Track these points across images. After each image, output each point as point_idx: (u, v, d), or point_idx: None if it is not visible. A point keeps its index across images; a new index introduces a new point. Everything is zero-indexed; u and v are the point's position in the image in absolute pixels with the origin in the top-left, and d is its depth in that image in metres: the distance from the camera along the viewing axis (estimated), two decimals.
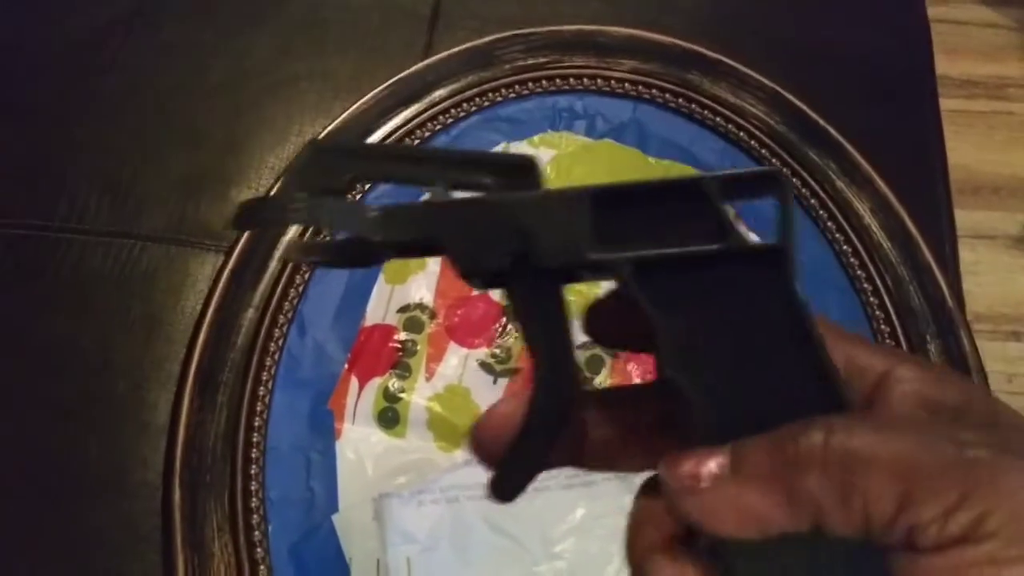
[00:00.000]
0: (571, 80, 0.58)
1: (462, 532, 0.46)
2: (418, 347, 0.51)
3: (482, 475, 0.49)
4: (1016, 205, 0.78)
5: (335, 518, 0.46)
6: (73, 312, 0.54)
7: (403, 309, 0.52)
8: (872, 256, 0.52)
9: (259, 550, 0.45)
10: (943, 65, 0.82)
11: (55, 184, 0.58)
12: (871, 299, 0.51)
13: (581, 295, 0.53)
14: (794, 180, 0.55)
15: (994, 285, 0.75)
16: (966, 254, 0.72)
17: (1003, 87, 0.85)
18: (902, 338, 0.50)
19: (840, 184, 0.55)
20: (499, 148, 0.57)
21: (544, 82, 0.58)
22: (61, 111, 0.61)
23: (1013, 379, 0.70)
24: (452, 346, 0.51)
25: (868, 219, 0.54)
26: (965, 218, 0.76)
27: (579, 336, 0.53)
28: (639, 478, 0.48)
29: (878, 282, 0.52)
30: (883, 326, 0.51)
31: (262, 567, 0.45)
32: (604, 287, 0.52)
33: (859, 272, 0.52)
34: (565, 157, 0.56)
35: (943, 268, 0.53)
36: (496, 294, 0.52)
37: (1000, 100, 0.84)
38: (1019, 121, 0.85)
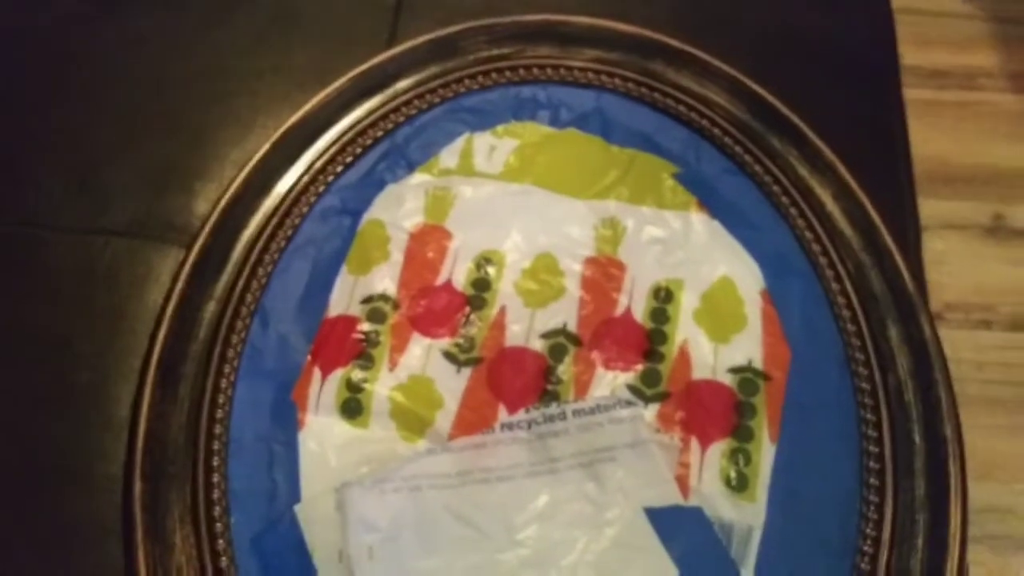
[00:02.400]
0: (534, 70, 0.58)
1: (425, 521, 0.46)
2: (381, 337, 0.51)
3: (444, 464, 0.49)
4: (987, 195, 0.79)
5: (297, 509, 0.46)
6: (38, 305, 0.54)
7: (366, 300, 0.52)
8: (834, 242, 0.53)
9: (221, 541, 0.45)
10: (913, 55, 0.83)
11: (20, 177, 0.58)
12: (833, 285, 0.52)
13: (546, 285, 0.53)
14: (757, 168, 0.55)
15: (965, 275, 0.75)
16: (937, 244, 0.73)
17: (974, 77, 0.85)
18: (863, 323, 0.50)
19: (803, 171, 0.55)
20: (462, 138, 0.57)
21: (508, 72, 0.58)
22: (27, 103, 0.60)
23: (983, 367, 0.70)
24: (415, 336, 0.51)
25: (830, 206, 0.54)
26: (936, 208, 0.76)
27: (544, 324, 0.53)
28: (603, 466, 0.49)
29: (839, 268, 0.52)
30: (844, 311, 0.51)
31: (223, 558, 0.45)
32: (569, 282, 0.52)
33: (821, 259, 0.52)
34: (529, 147, 0.57)
35: (905, 254, 0.53)
36: (459, 283, 0.52)
37: (971, 90, 0.84)
38: (990, 112, 0.85)
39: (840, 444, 0.48)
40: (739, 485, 0.47)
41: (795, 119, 0.56)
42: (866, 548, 0.45)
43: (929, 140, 0.79)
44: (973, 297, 0.73)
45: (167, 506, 0.46)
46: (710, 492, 0.47)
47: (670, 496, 0.47)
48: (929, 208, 0.75)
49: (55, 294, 0.54)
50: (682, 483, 0.47)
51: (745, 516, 0.46)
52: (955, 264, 0.74)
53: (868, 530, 0.46)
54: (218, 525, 0.45)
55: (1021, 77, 0.78)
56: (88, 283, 0.54)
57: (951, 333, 0.68)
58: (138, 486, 0.46)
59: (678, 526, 0.46)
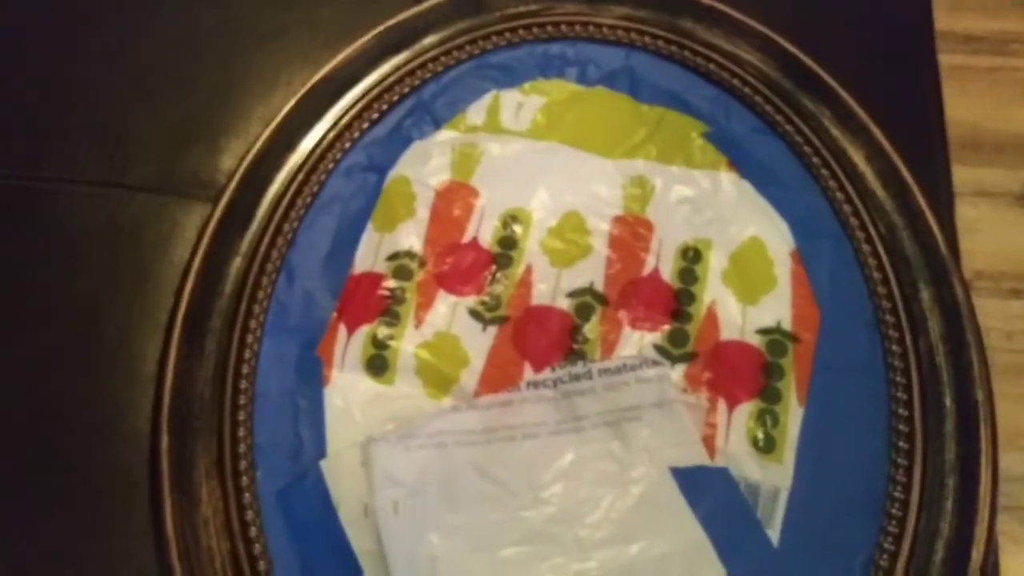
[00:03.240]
0: (562, 27, 0.57)
1: (450, 477, 0.46)
2: (407, 295, 0.50)
3: (470, 421, 0.49)
4: (1018, 162, 0.78)
5: (323, 464, 0.46)
6: (63, 262, 0.54)
7: (392, 257, 0.51)
8: (866, 203, 0.52)
9: (247, 495, 0.45)
10: (945, 21, 0.81)
11: (45, 134, 0.58)
12: (864, 246, 0.51)
13: (573, 244, 0.53)
14: (788, 128, 0.54)
15: (995, 242, 0.74)
16: (967, 211, 0.72)
17: (1007, 43, 0.83)
18: (894, 285, 0.50)
19: (835, 132, 0.54)
20: (489, 95, 0.56)
21: (535, 29, 0.57)
22: (51, 61, 0.60)
23: (1012, 336, 0.70)
24: (441, 294, 0.51)
25: (862, 167, 0.53)
26: (967, 175, 0.75)
27: (570, 283, 0.53)
28: (628, 425, 0.49)
29: (871, 230, 0.51)
30: (875, 273, 0.50)
31: (249, 512, 0.45)
32: (596, 241, 0.52)
33: (852, 220, 0.52)
34: (556, 105, 0.56)
35: (937, 216, 0.52)
36: (485, 241, 0.52)
37: (1004, 56, 0.82)
38: (1023, 77, 0.84)
39: (869, 407, 0.48)
40: (766, 446, 0.47)
41: (828, 78, 0.55)
42: (894, 511, 0.45)
43: (960, 106, 0.78)
44: (1003, 265, 0.72)
45: (193, 460, 0.46)
46: (737, 453, 0.46)
47: (696, 456, 0.46)
48: (960, 175, 0.74)
49: (80, 249, 0.54)
50: (708, 443, 0.47)
51: (772, 477, 0.46)
52: (985, 232, 0.73)
53: (896, 493, 0.45)
54: (244, 479, 0.45)
55: None
56: (113, 239, 0.54)
57: (980, 302, 0.67)
58: (165, 440, 0.46)
59: (704, 486, 0.46)
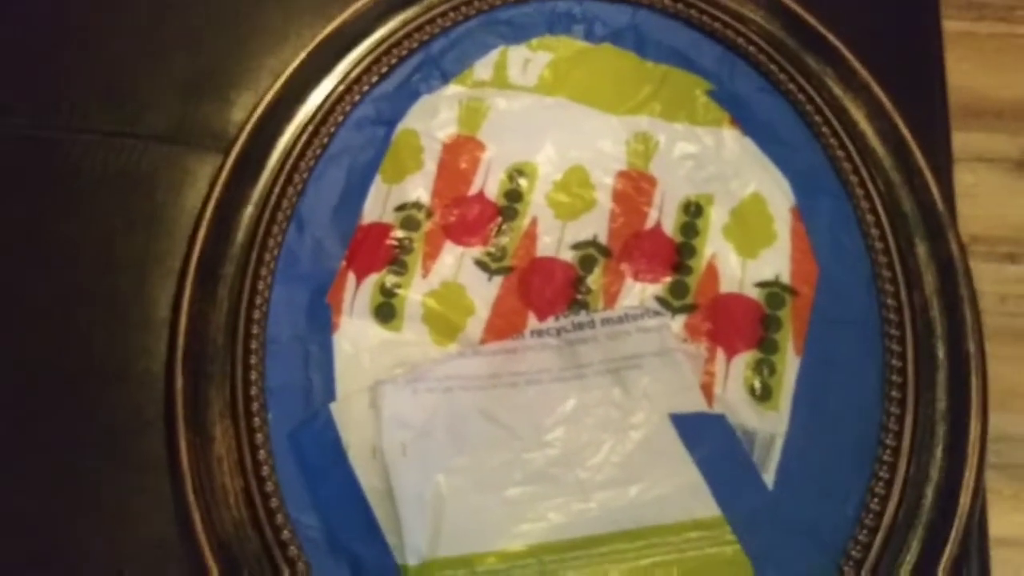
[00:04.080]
0: None
1: (456, 420, 0.47)
2: (414, 245, 0.52)
3: (476, 367, 0.51)
4: (1019, 129, 0.78)
5: (333, 406, 0.47)
6: (76, 211, 0.55)
7: (400, 208, 0.52)
8: (865, 161, 0.53)
9: (259, 435, 0.46)
10: None
11: (56, 85, 0.58)
12: (863, 203, 0.52)
13: (578, 197, 0.54)
14: (791, 86, 0.55)
15: (992, 207, 0.75)
16: (966, 176, 0.73)
17: (1012, 9, 0.84)
18: (891, 240, 0.51)
19: (837, 91, 0.55)
20: (497, 51, 0.57)
21: None
22: (61, 13, 0.61)
23: (1006, 300, 0.71)
24: (448, 244, 0.52)
25: (863, 125, 0.54)
26: (966, 140, 0.75)
27: (574, 236, 0.54)
28: (629, 372, 0.50)
29: (870, 186, 0.52)
30: (873, 229, 0.51)
31: (261, 451, 0.46)
32: (600, 195, 0.53)
33: (852, 177, 0.53)
34: (563, 61, 0.57)
35: (935, 174, 0.53)
36: (492, 193, 0.53)
37: (1008, 23, 0.83)
38: None
39: (864, 358, 0.49)
40: (763, 394, 0.48)
41: (831, 37, 0.56)
42: (886, 457, 0.46)
43: (963, 72, 0.79)
44: (1000, 230, 0.73)
45: (207, 401, 0.47)
46: (734, 400, 0.48)
47: (694, 403, 0.48)
48: (960, 140, 0.74)
49: (95, 198, 0.55)
50: (707, 391, 0.48)
51: (768, 424, 0.47)
52: (984, 197, 0.74)
53: (888, 440, 0.47)
54: (256, 420, 0.47)
55: None
56: (126, 188, 0.55)
57: (976, 265, 0.68)
58: (179, 381, 0.47)
59: (702, 432, 0.47)
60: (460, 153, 0.54)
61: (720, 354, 0.49)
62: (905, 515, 0.45)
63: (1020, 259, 0.70)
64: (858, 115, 0.54)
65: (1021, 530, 0.62)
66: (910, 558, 0.44)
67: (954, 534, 0.45)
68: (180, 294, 0.50)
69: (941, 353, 0.49)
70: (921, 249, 0.51)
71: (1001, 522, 0.61)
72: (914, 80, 0.59)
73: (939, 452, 0.46)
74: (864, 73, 0.55)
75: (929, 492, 0.46)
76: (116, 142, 0.57)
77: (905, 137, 0.53)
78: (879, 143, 0.53)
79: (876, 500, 0.45)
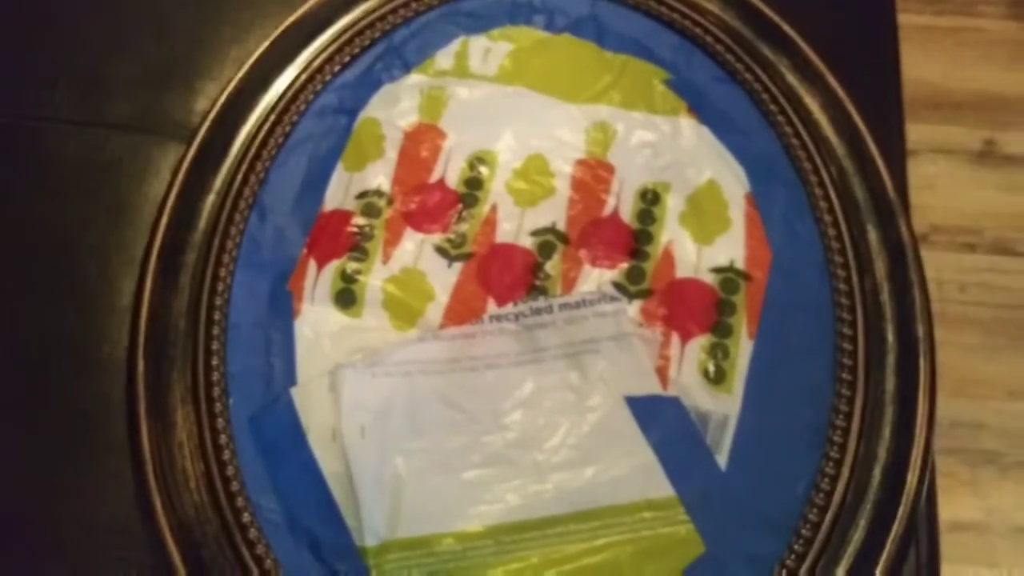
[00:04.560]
0: None
1: (415, 403, 0.48)
2: (375, 232, 0.52)
3: (434, 351, 0.51)
4: (978, 121, 0.79)
5: (293, 391, 0.48)
6: (40, 199, 0.55)
7: (361, 195, 0.53)
8: (819, 148, 0.54)
9: (220, 420, 0.47)
10: None
11: (21, 75, 0.59)
12: (816, 190, 0.53)
13: (537, 185, 0.55)
14: (747, 76, 0.56)
15: (952, 198, 0.77)
16: (927, 167, 0.74)
17: (971, 3, 0.85)
18: (843, 227, 0.52)
19: (792, 79, 0.56)
20: (458, 41, 0.58)
21: None
22: (25, 2, 0.61)
23: (965, 288, 0.72)
24: (408, 231, 0.52)
25: (817, 114, 0.55)
26: (927, 133, 0.77)
27: (533, 223, 0.55)
28: (586, 357, 0.51)
29: (823, 173, 0.53)
30: (826, 215, 0.52)
31: (222, 436, 0.47)
32: (559, 183, 0.53)
33: (806, 164, 0.54)
34: (523, 51, 0.57)
35: (888, 162, 0.54)
36: (452, 181, 0.54)
37: (968, 16, 0.84)
38: (987, 38, 0.85)
39: (816, 341, 0.50)
40: (717, 377, 0.49)
41: (787, 28, 0.57)
42: (836, 438, 0.47)
43: (923, 65, 0.80)
44: (959, 220, 0.74)
45: (169, 386, 0.48)
46: (688, 383, 0.49)
47: (649, 386, 0.49)
48: (921, 132, 0.75)
49: (59, 187, 0.55)
50: (662, 374, 0.49)
51: (721, 406, 0.48)
52: (943, 187, 0.75)
53: (839, 421, 0.48)
54: (217, 405, 0.47)
55: (1021, 4, 0.77)
56: (90, 177, 0.56)
57: (936, 254, 0.69)
58: (141, 365, 0.48)
59: (656, 414, 0.48)
60: (421, 141, 0.55)
61: (675, 338, 0.50)
62: (854, 494, 0.46)
63: (979, 248, 0.71)
64: (812, 104, 0.55)
65: (978, 514, 0.64)
66: (859, 536, 0.46)
67: (901, 512, 0.46)
68: (142, 281, 0.50)
69: (891, 336, 0.50)
70: (873, 235, 0.52)
71: (957, 506, 0.62)
72: (869, 70, 0.60)
73: (887, 433, 0.47)
74: (819, 63, 0.56)
75: (877, 472, 0.47)
76: (81, 131, 0.57)
77: (858, 126, 0.54)
78: (832, 132, 0.54)
79: (826, 480, 0.46)
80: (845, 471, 0.47)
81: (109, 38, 0.60)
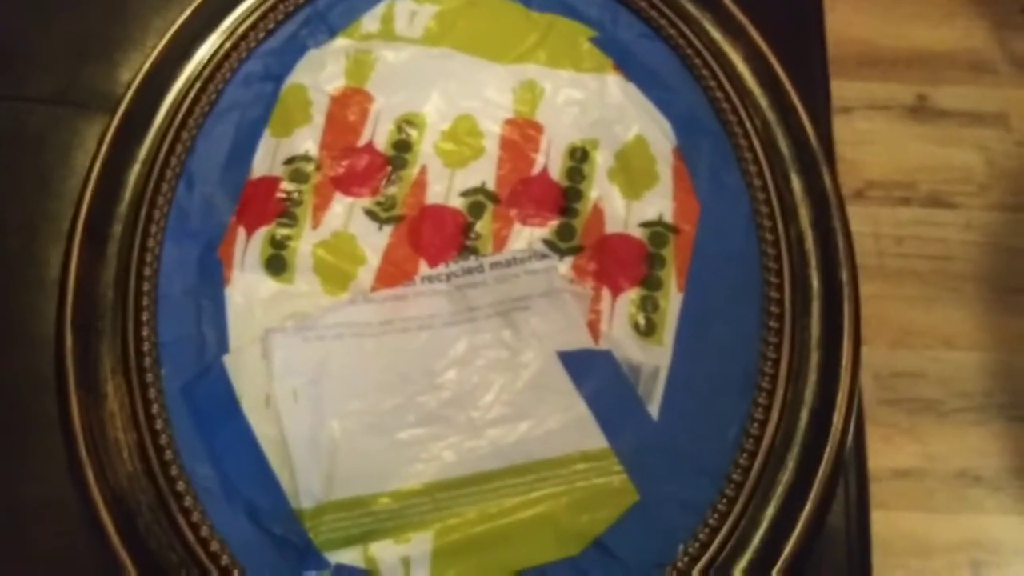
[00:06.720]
0: None
1: (347, 366, 0.48)
2: (304, 197, 0.52)
3: (366, 314, 0.51)
4: (912, 77, 0.80)
5: (225, 359, 0.48)
6: None
7: (289, 161, 0.53)
8: (743, 101, 0.54)
9: (152, 390, 0.47)
10: None
11: None
12: (741, 142, 0.54)
13: (466, 146, 0.55)
14: (672, 31, 0.57)
15: (888, 153, 0.78)
16: (862, 124, 0.75)
17: None
18: (768, 177, 0.53)
19: (715, 34, 0.56)
20: (383, 4, 0.57)
21: None
22: None
23: (902, 241, 0.73)
24: (337, 195, 0.52)
25: (741, 67, 0.56)
26: (862, 90, 0.78)
27: (463, 183, 0.55)
28: (518, 314, 0.51)
29: (748, 125, 0.54)
30: (751, 167, 0.53)
31: (155, 406, 0.47)
32: (488, 143, 0.53)
33: (731, 117, 0.54)
34: (449, 12, 0.57)
35: (811, 113, 0.55)
36: (380, 144, 0.54)
37: None
38: None
39: (744, 292, 0.51)
40: (647, 330, 0.50)
41: None
42: (764, 384, 0.48)
43: (855, 23, 0.81)
44: (894, 175, 0.75)
45: (98, 358, 0.48)
46: (619, 336, 0.49)
47: (581, 340, 0.49)
48: (854, 90, 0.76)
49: None
50: (593, 329, 0.50)
51: (652, 358, 0.49)
52: (878, 143, 0.77)
53: (767, 368, 0.49)
54: (148, 375, 0.47)
55: None
56: (15, 150, 0.55)
57: (873, 210, 0.71)
58: (69, 338, 0.47)
59: (589, 368, 0.49)
60: (348, 105, 0.55)
61: (606, 293, 0.50)
62: (783, 438, 0.47)
63: (914, 202, 0.72)
64: (736, 58, 0.56)
65: (917, 461, 0.65)
66: (787, 477, 0.47)
67: (827, 453, 0.47)
68: (68, 254, 0.50)
69: (816, 283, 0.51)
70: (797, 184, 0.53)
71: (897, 454, 0.64)
72: (791, 23, 0.60)
73: (814, 376, 0.48)
74: (741, 17, 0.57)
75: (804, 415, 0.48)
76: (3, 105, 0.56)
77: (780, 78, 0.55)
78: (756, 84, 0.55)
79: (756, 425, 0.47)
80: (774, 415, 0.48)
81: (29, 11, 0.59)
